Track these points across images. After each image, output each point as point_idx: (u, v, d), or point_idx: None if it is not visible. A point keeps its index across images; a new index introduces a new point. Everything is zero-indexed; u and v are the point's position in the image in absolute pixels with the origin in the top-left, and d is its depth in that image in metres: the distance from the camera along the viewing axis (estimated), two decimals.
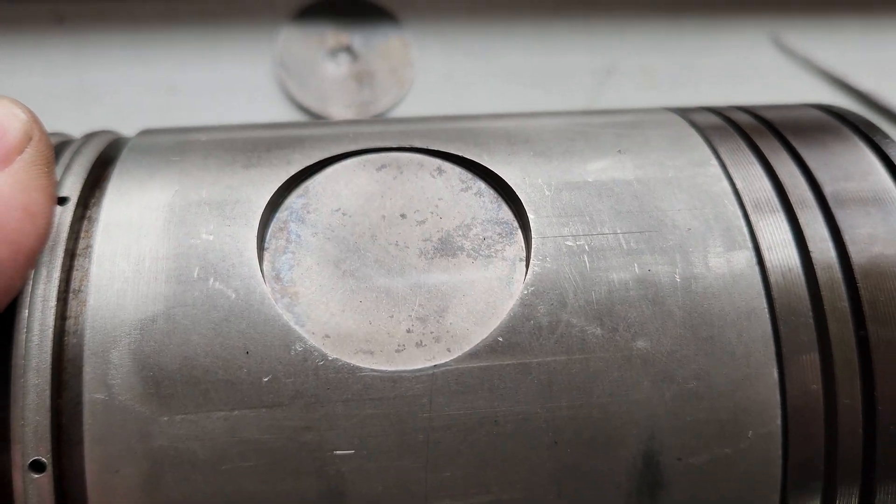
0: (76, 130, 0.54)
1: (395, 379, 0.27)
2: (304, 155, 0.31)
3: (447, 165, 0.31)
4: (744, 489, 0.28)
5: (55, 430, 0.25)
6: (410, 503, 0.27)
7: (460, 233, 0.30)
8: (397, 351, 0.27)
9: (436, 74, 0.57)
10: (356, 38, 0.57)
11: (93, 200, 0.30)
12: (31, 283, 0.27)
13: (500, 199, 0.31)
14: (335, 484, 0.26)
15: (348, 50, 0.57)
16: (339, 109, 0.56)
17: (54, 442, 0.25)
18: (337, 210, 0.30)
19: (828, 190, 0.31)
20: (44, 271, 0.27)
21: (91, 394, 0.25)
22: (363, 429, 0.26)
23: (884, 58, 0.61)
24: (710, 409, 0.28)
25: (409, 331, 0.28)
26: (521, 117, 0.35)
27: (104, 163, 0.32)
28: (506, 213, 0.30)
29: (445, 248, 0.30)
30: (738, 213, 0.30)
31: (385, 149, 0.31)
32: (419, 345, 0.28)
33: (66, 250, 0.28)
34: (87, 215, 0.30)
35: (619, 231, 0.29)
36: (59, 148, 0.33)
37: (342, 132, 0.32)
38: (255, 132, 0.33)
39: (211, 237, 0.28)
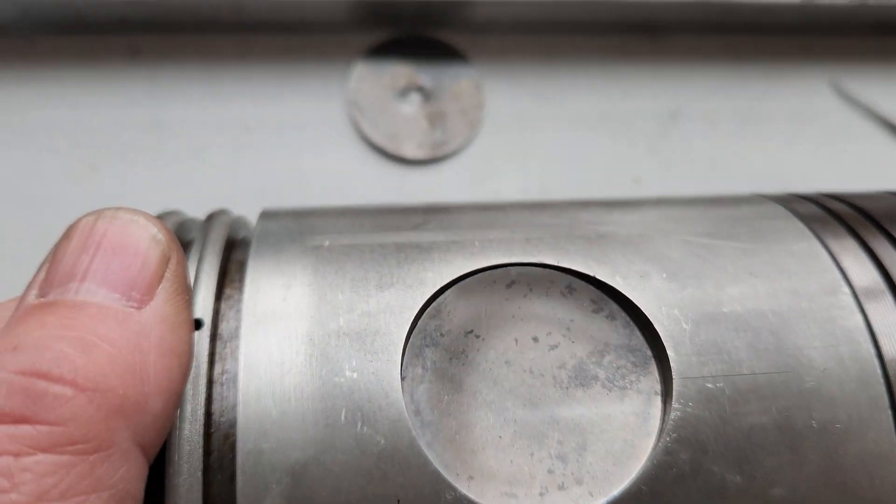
0: (150, 165, 0.52)
1: None
2: (435, 273, 0.29)
3: (578, 283, 0.30)
4: None
5: None
6: None
7: (594, 360, 0.28)
8: (541, 494, 0.26)
9: (505, 116, 0.55)
10: (427, 77, 0.55)
11: (222, 314, 0.28)
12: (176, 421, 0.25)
13: (631, 323, 0.29)
14: None
15: (420, 89, 0.55)
16: (411, 149, 0.53)
17: None
18: (470, 332, 0.29)
19: None
20: (188, 408, 0.25)
21: None
22: None
23: None
24: None
25: (550, 471, 0.26)
26: (640, 213, 0.33)
27: (227, 259, 0.31)
28: (638, 339, 0.29)
29: (580, 376, 0.28)
30: (872, 350, 0.28)
31: (515, 264, 0.30)
32: (561, 487, 0.26)
33: (207, 380, 0.26)
34: (219, 334, 0.28)
35: (757, 371, 0.27)
36: (178, 237, 0.31)
37: (467, 238, 0.31)
38: (380, 235, 0.31)
39: (355, 374, 0.26)
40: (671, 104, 0.56)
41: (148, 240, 0.25)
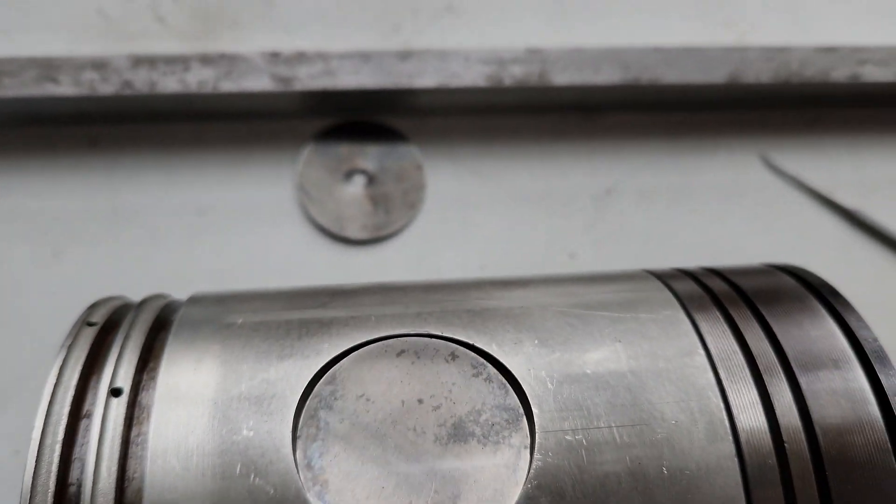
0: (110, 249, 0.58)
1: None
2: (331, 344, 0.34)
3: (460, 351, 0.35)
4: None
5: None
6: None
7: (471, 418, 0.34)
8: None
9: (445, 196, 0.61)
10: (371, 160, 0.61)
11: (143, 385, 0.34)
12: (92, 473, 0.30)
13: (507, 384, 0.34)
14: None
15: (363, 172, 0.61)
16: (355, 231, 0.59)
17: None
18: (361, 396, 0.34)
19: (803, 382, 0.34)
20: (104, 465, 0.31)
21: None
22: None
23: (867, 176, 0.65)
24: None
25: None
26: (526, 290, 0.39)
27: (153, 338, 0.36)
28: (512, 398, 0.34)
29: (458, 433, 0.33)
30: (721, 405, 0.33)
31: (404, 335, 0.35)
32: None
33: (123, 441, 0.32)
34: (138, 401, 0.33)
35: (613, 424, 0.32)
36: (113, 319, 0.37)
37: (365, 314, 0.36)
38: (287, 313, 0.36)
39: (251, 433, 0.31)
40: (606, 181, 0.63)
41: None
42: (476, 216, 0.61)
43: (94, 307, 0.38)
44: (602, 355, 0.34)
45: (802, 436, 0.33)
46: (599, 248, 0.60)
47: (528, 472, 0.32)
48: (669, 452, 0.32)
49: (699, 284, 0.39)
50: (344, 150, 0.62)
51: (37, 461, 0.31)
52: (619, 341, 0.35)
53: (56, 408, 0.32)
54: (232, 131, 0.61)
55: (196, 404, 0.32)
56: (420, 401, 0.34)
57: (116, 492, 0.30)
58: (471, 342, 0.35)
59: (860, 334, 0.36)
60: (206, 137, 0.61)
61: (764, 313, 0.37)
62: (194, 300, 0.39)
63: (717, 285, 0.39)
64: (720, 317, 0.37)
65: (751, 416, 0.33)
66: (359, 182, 0.61)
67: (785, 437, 0.33)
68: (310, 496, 0.31)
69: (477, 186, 0.62)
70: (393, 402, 0.34)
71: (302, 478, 0.31)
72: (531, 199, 0.62)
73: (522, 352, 0.34)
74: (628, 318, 0.36)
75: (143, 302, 0.39)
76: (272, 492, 0.30)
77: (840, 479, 0.32)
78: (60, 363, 0.34)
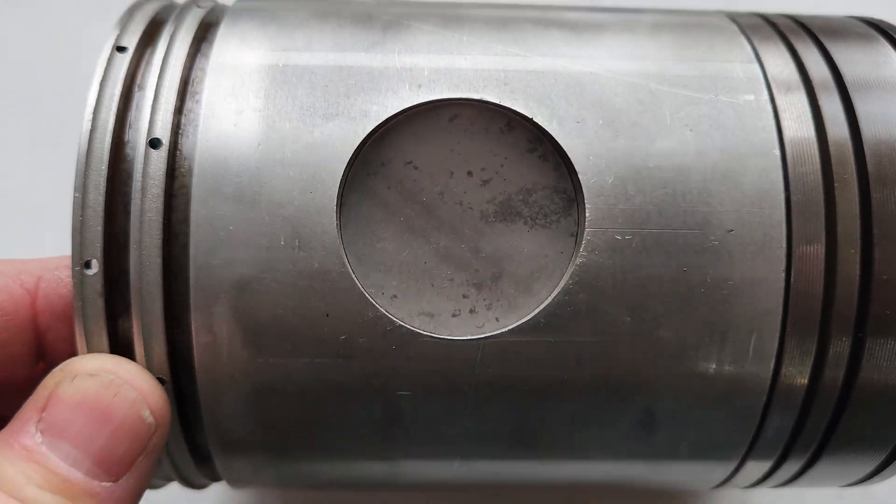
0: None
1: (449, 345, 0.32)
2: (380, 105, 0.32)
3: (517, 122, 0.33)
4: None
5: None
6: (450, 421, 0.34)
7: (521, 197, 0.33)
8: (454, 315, 0.32)
9: None
10: None
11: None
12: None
13: (562, 165, 0.33)
14: (395, 411, 0.33)
15: None
16: None
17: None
18: (409, 163, 0.33)
19: None
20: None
21: (199, 338, 0.31)
22: (421, 378, 0.32)
23: None
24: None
25: (465, 296, 0.32)
26: (601, 40, 0.35)
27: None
28: (566, 182, 0.33)
29: (505, 212, 0.33)
30: (783, 217, 0.32)
31: (459, 100, 0.33)
32: (472, 311, 0.32)
33: (166, 193, 0.31)
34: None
35: (665, 228, 0.32)
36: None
37: (418, 66, 0.33)
38: (335, 54, 0.34)
39: (295, 204, 0.31)
40: None
41: (140, 420, 0.31)
42: None
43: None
44: (669, 147, 0.32)
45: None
46: None
47: (571, 265, 0.32)
48: (717, 261, 0.32)
49: (791, 54, 0.35)
50: None
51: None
52: (691, 130, 0.32)
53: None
54: None
55: (241, 164, 0.31)
56: (469, 173, 0.33)
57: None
58: (530, 115, 0.32)
59: None
60: None
61: None
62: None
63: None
64: (805, 99, 0.34)
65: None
66: None
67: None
68: (353, 273, 0.31)
69: None
70: (441, 172, 0.33)
71: (344, 241, 0.31)
72: None
73: (584, 133, 0.32)
74: (705, 102, 0.33)
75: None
76: (317, 266, 0.31)
77: None
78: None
